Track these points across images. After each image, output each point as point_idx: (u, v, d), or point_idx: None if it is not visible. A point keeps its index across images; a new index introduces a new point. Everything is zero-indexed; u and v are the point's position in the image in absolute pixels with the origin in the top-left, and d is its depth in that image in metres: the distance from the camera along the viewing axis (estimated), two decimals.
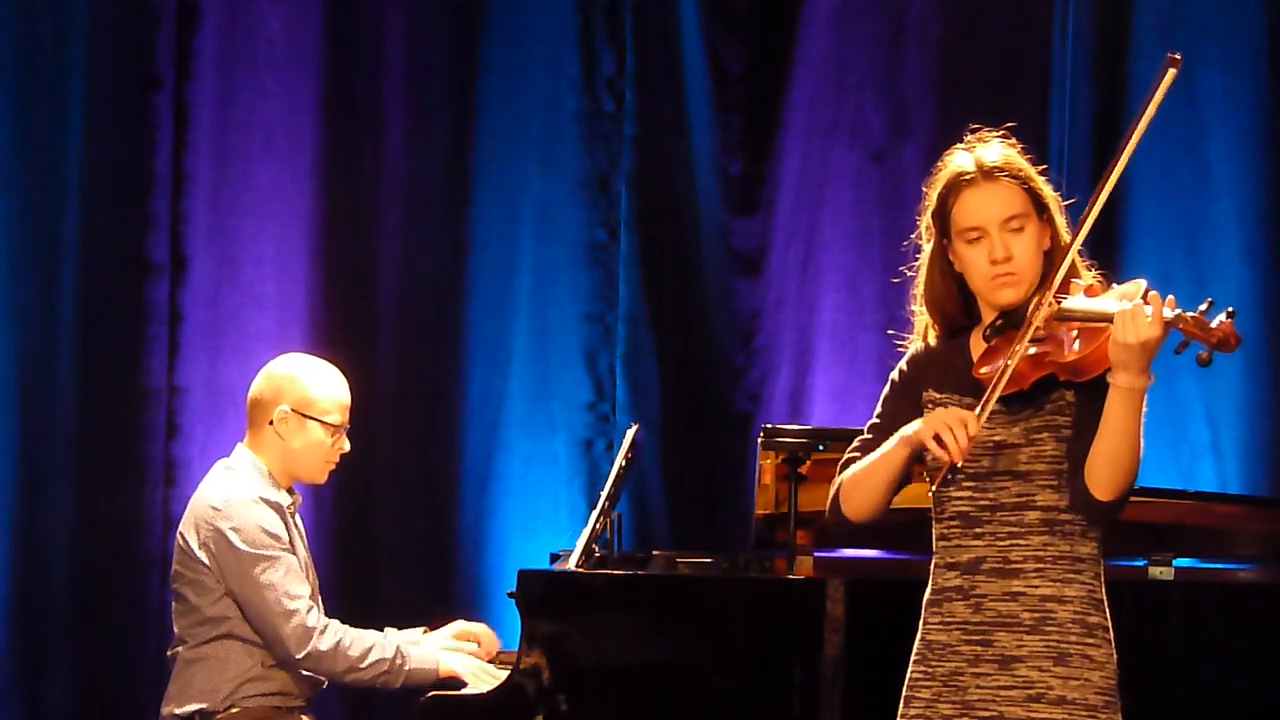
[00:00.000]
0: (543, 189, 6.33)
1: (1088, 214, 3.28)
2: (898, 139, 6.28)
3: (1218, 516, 5.06)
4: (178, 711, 4.55)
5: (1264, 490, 6.07)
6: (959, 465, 3.25)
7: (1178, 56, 3.20)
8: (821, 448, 4.66)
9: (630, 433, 5.05)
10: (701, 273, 6.35)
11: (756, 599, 4.53)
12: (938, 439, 3.23)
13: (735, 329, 6.33)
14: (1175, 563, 4.77)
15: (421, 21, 6.29)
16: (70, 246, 6.10)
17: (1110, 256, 6.03)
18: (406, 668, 4.57)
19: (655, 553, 5.34)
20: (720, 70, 6.35)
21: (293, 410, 4.62)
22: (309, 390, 4.64)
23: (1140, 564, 4.79)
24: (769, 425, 4.83)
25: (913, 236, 3.52)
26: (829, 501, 3.48)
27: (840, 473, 3.49)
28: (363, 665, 4.53)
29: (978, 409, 3.27)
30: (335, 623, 4.55)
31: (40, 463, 6.06)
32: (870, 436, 3.50)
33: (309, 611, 4.51)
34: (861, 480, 3.42)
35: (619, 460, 4.94)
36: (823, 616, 4.43)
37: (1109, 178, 3.26)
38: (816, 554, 4.83)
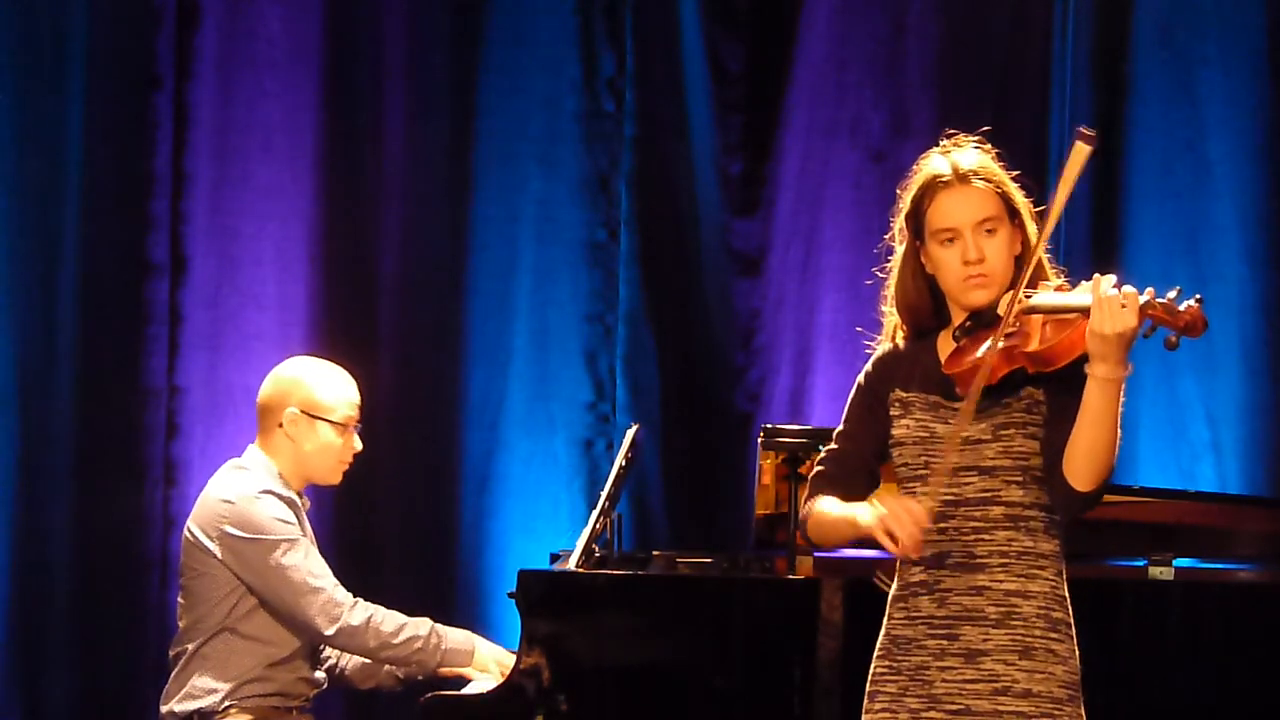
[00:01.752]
0: (543, 189, 6.33)
1: (1040, 237, 3.33)
2: (898, 139, 6.28)
3: (1218, 516, 5.06)
4: (176, 710, 4.55)
5: (1264, 490, 6.07)
6: (914, 558, 3.32)
7: (1089, 133, 3.23)
8: (821, 448, 4.64)
9: (630, 433, 5.05)
10: (701, 273, 6.35)
11: (756, 599, 4.53)
12: (890, 535, 3.27)
13: (735, 329, 6.33)
14: (1175, 563, 4.77)
15: (421, 21, 6.29)
16: (70, 246, 6.10)
17: (1110, 256, 6.04)
18: (444, 647, 4.57)
19: (655, 553, 5.34)
20: (720, 70, 6.35)
21: (301, 411, 4.63)
22: (316, 391, 4.65)
23: (1140, 564, 4.79)
24: (769, 425, 4.83)
25: (885, 238, 3.55)
26: (800, 519, 3.54)
27: (810, 488, 3.55)
28: (397, 640, 4.53)
29: (929, 493, 3.31)
30: (364, 601, 4.55)
31: (40, 463, 6.06)
32: (837, 446, 3.56)
33: (335, 588, 4.51)
34: (824, 528, 3.49)
35: (619, 460, 4.94)
36: (821, 616, 4.43)
37: (1037, 245, 3.34)
38: (816, 554, 4.83)
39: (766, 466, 4.82)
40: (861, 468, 3.49)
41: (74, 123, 6.10)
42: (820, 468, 3.56)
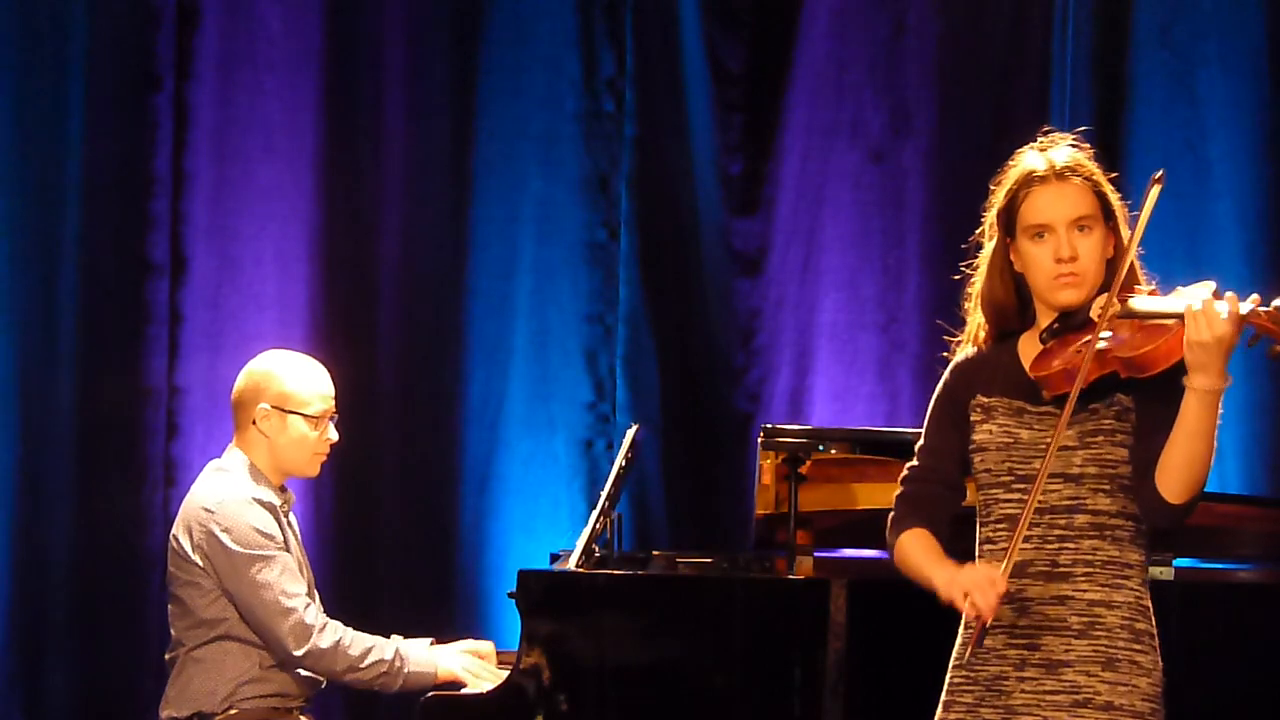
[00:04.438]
0: (543, 189, 6.33)
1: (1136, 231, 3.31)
2: (898, 139, 6.28)
3: (1218, 516, 5.05)
4: (175, 715, 4.54)
5: (1264, 490, 6.07)
6: (989, 623, 3.25)
7: (1159, 175, 3.23)
8: (821, 448, 4.65)
9: (630, 433, 5.04)
10: (701, 273, 6.35)
11: (757, 599, 4.52)
12: (969, 600, 3.22)
13: (735, 329, 6.33)
14: (1175, 563, 4.77)
15: (421, 21, 6.29)
16: (70, 246, 6.09)
17: None
18: (406, 669, 4.57)
19: (655, 553, 5.34)
20: (720, 70, 6.35)
21: (273, 407, 4.61)
22: (286, 385, 4.63)
23: None
24: (769, 425, 4.82)
25: (975, 234, 3.50)
26: (888, 542, 3.46)
27: (895, 509, 3.46)
28: (363, 665, 4.53)
29: (1005, 562, 3.26)
30: (334, 622, 4.55)
31: (40, 463, 6.06)
32: (919, 464, 3.48)
33: (307, 609, 4.50)
34: (906, 567, 3.41)
35: (619, 460, 4.93)
36: (823, 617, 4.43)
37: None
38: (817, 554, 4.83)
39: (766, 466, 4.81)
40: (945, 483, 3.43)
41: (74, 123, 6.10)
42: (903, 488, 3.47)
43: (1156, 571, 4.72)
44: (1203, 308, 3.14)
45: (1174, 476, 3.23)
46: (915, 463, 3.49)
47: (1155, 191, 3.24)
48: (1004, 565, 3.26)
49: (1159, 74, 6.25)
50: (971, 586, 3.22)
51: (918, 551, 3.40)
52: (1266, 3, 6.19)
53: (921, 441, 3.49)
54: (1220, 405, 3.21)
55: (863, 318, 6.28)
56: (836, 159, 6.33)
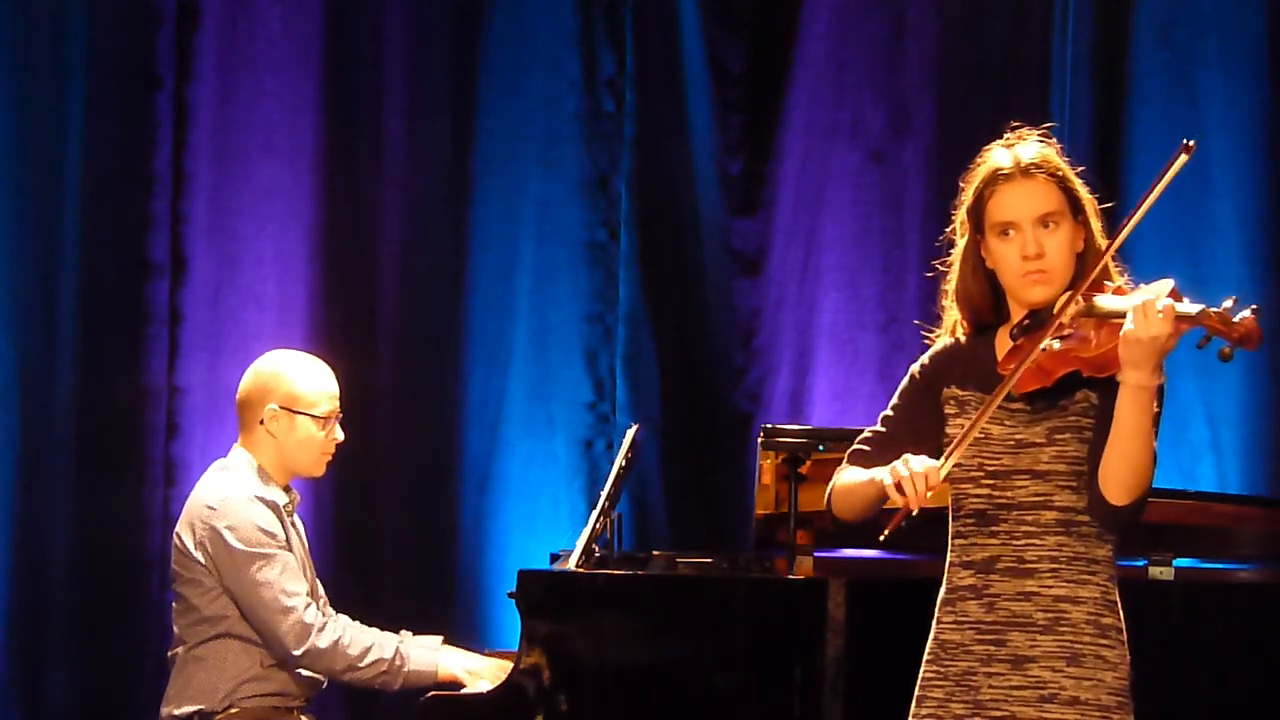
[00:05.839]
0: (543, 189, 6.33)
1: (1122, 227, 3.28)
2: (898, 139, 6.28)
3: (1218, 516, 5.06)
4: (176, 712, 4.55)
5: (1264, 490, 6.07)
6: (914, 513, 3.26)
7: (1191, 144, 3.21)
8: (821, 448, 4.65)
9: (630, 433, 5.04)
10: (701, 273, 6.35)
11: (757, 599, 4.53)
12: (899, 488, 3.24)
13: (735, 329, 6.34)
14: (1175, 563, 4.77)
15: (421, 21, 6.30)
16: (70, 246, 6.10)
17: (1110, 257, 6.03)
18: (405, 669, 4.57)
19: (655, 553, 5.34)
20: (720, 70, 6.36)
21: (281, 407, 4.62)
22: (294, 385, 4.64)
23: (1140, 564, 4.79)
24: (769, 425, 4.83)
25: (947, 232, 3.51)
26: (826, 495, 3.51)
27: (845, 461, 3.50)
28: (362, 664, 4.54)
29: (942, 459, 3.28)
30: (334, 621, 4.55)
31: (40, 463, 6.06)
32: (882, 429, 3.50)
33: (307, 609, 4.51)
34: (846, 494, 3.46)
35: (619, 460, 4.94)
36: (823, 616, 4.43)
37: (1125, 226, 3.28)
38: (816, 554, 4.83)
39: (766, 466, 4.82)
40: (899, 452, 3.41)
41: (74, 123, 6.10)
42: (858, 446, 3.51)
43: (1156, 571, 4.73)
44: (1143, 305, 3.15)
45: (1113, 476, 3.25)
46: (878, 427, 3.51)
47: (1182, 160, 3.22)
48: (942, 463, 3.27)
49: (1159, 74, 6.25)
50: (905, 476, 3.24)
51: (858, 471, 3.44)
52: (1266, 3, 6.18)
53: (886, 411, 3.52)
54: (1156, 404, 3.22)
55: (863, 318, 6.28)
56: (836, 159, 6.33)
